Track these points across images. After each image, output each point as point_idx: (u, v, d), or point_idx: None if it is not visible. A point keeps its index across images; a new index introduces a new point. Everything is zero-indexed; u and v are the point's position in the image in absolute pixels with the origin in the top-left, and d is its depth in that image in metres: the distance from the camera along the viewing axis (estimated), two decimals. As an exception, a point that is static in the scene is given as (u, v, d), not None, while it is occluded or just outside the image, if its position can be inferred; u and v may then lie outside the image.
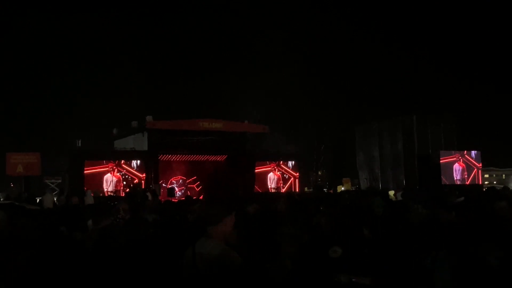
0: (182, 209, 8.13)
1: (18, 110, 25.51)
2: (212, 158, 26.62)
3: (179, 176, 25.91)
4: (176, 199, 20.22)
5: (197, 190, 25.61)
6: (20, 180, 22.78)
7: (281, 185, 27.35)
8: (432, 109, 25.67)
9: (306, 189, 26.56)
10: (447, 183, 23.72)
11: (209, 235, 3.50)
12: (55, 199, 17.33)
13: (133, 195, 17.93)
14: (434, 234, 3.55)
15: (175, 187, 25.33)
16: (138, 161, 24.27)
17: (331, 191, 21.03)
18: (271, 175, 27.36)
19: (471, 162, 25.69)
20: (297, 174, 27.85)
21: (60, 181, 23.84)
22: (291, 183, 27.69)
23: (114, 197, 18.95)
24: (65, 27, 26.14)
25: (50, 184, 23.31)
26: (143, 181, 23.62)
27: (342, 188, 23.41)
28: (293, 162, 27.95)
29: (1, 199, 16.64)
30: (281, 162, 27.62)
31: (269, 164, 27.37)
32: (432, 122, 25.79)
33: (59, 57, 25.84)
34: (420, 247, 3.64)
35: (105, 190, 22.97)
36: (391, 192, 13.42)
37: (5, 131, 24.10)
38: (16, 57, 25.40)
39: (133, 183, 22.62)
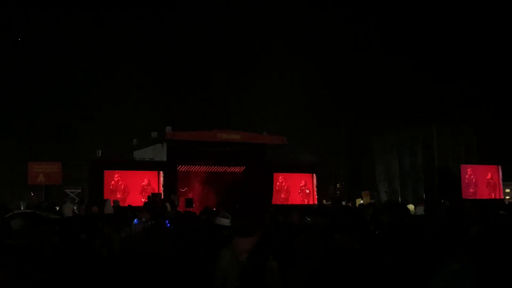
0: (200, 219, 8.17)
1: (39, 119, 25.72)
2: (231, 169, 26.65)
3: (198, 187, 25.91)
4: (194, 210, 20.25)
5: (215, 201, 25.56)
6: (40, 189, 22.98)
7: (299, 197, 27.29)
8: (452, 121, 25.34)
9: (324, 201, 26.42)
10: (468, 197, 23.41)
11: (233, 247, 3.39)
12: (75, 208, 17.40)
13: (152, 205, 17.94)
14: (453, 248, 3.47)
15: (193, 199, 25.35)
16: (157, 172, 24.38)
17: (350, 204, 20.86)
18: (289, 187, 27.32)
19: (492, 175, 25.35)
20: (315, 186, 27.75)
21: (80, 190, 24.00)
22: (309, 195, 27.58)
23: (133, 206, 18.95)
24: (87, 38, 26.36)
25: (70, 194, 23.42)
26: (162, 192, 23.72)
27: (361, 201, 23.21)
28: (311, 174, 27.86)
29: (22, 208, 16.77)
30: (300, 174, 27.54)
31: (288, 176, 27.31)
32: (452, 134, 25.52)
33: (81, 68, 26.07)
34: (434, 259, 3.56)
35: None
36: (411, 206, 13.25)
37: (26, 141, 24.26)
38: (37, 68, 25.70)
39: (152, 193, 22.71)
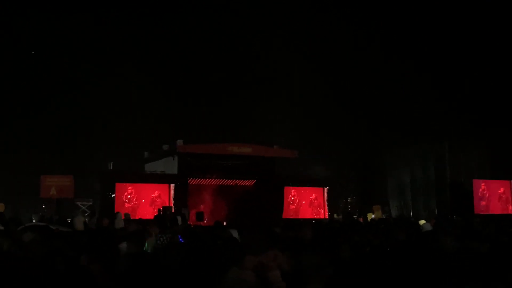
0: (212, 234, 8.16)
1: (51, 132, 25.89)
2: (241, 182, 26.67)
3: (208, 200, 25.91)
4: (205, 224, 20.26)
5: (226, 214, 25.53)
6: (52, 201, 23.06)
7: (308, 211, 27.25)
8: (464, 136, 25.21)
9: (335, 215, 26.35)
10: (481, 212, 23.24)
11: (243, 265, 3.36)
12: (86, 221, 17.46)
13: (163, 218, 17.94)
14: (465, 266, 3.39)
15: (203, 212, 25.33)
16: (168, 185, 24.46)
17: (361, 219, 20.75)
18: (298, 201, 27.28)
19: (505, 190, 25.16)
20: (326, 200, 27.69)
21: (91, 203, 24.09)
22: (319, 209, 27.53)
23: (144, 220, 18.98)
24: (99, 51, 26.57)
25: (81, 206, 23.53)
26: (172, 205, 23.76)
27: (372, 216, 23.09)
28: (322, 188, 27.81)
29: (34, 221, 16.86)
30: (310, 188, 27.52)
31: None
32: (464, 149, 25.40)
33: (93, 81, 26.27)
34: (448, 280, 3.47)
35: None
36: (422, 222, 13.16)
37: (38, 153, 24.43)
38: (49, 81, 25.94)
39: (162, 207, 22.75)
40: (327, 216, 26.84)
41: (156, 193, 24.32)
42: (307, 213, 27.12)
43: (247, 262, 3.43)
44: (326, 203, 27.66)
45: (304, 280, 3.80)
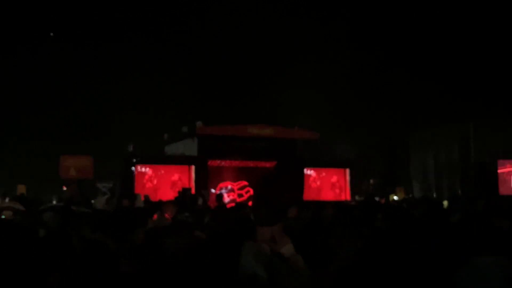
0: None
1: (70, 114, 26.15)
2: (262, 164, 26.73)
3: (228, 182, 26.09)
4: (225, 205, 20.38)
5: (246, 196, 25.68)
6: (73, 183, 23.35)
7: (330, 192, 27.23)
8: (490, 116, 24.87)
9: (357, 197, 26.24)
10: (506, 194, 22.96)
11: (256, 238, 3.47)
12: (106, 201, 17.70)
13: (183, 199, 18.12)
14: (479, 239, 3.44)
15: (224, 193, 25.45)
16: (188, 166, 24.63)
17: (383, 200, 20.68)
18: (320, 182, 27.27)
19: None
20: (348, 182, 27.62)
21: (111, 185, 24.37)
22: (341, 191, 27.50)
23: (164, 201, 19.20)
24: (117, 34, 26.67)
25: (102, 188, 23.84)
26: (192, 187, 23.94)
27: (395, 197, 23.01)
28: (344, 169, 27.73)
29: (54, 202, 17.16)
30: (332, 169, 27.46)
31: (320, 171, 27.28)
32: (490, 129, 25.06)
33: (112, 63, 26.40)
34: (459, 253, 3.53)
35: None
36: (446, 202, 13.10)
37: (57, 135, 24.71)
38: (69, 64, 26.12)
39: (182, 188, 22.92)
40: (349, 198, 26.75)
41: (176, 175, 24.50)
42: (328, 195, 27.11)
43: (260, 235, 3.48)
44: (348, 185, 27.59)
45: (329, 253, 3.92)
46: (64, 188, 23.46)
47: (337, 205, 11.60)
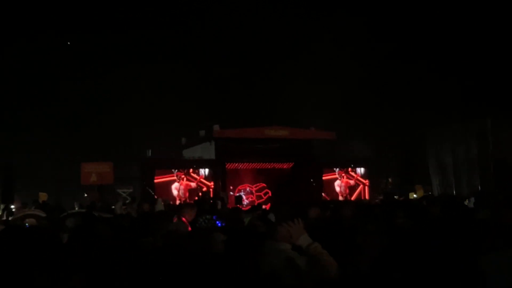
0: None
1: (89, 121, 26.32)
2: (279, 165, 26.79)
3: (246, 185, 26.26)
4: (244, 208, 20.43)
5: (264, 198, 25.71)
6: (94, 189, 23.55)
7: (348, 192, 27.20)
8: (509, 111, 24.51)
9: (376, 196, 26.12)
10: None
11: (276, 237, 3.45)
12: (126, 207, 17.80)
13: (202, 202, 18.21)
14: (496, 233, 3.44)
15: (243, 195, 25.53)
16: (206, 170, 24.86)
17: (402, 198, 20.55)
18: (338, 182, 27.14)
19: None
20: (367, 181, 27.52)
21: (131, 190, 24.53)
22: (360, 190, 27.37)
23: (182, 204, 19.37)
24: (133, 37, 26.78)
25: (122, 193, 24.00)
26: (211, 189, 24.03)
27: (414, 196, 22.84)
28: (362, 169, 27.60)
29: (76, 208, 17.31)
30: (350, 169, 27.34)
31: (337, 171, 27.18)
32: (508, 124, 24.73)
33: (129, 68, 26.52)
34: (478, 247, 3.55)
35: (176, 198, 23.58)
36: (466, 202, 12.95)
37: (77, 142, 24.91)
38: (86, 70, 26.32)
39: (202, 191, 23.01)
40: (368, 197, 26.65)
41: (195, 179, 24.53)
42: (347, 195, 27.09)
43: (280, 233, 3.50)
44: (367, 184, 27.44)
45: (356, 249, 3.95)
46: (85, 195, 23.66)
47: (357, 204, 11.57)
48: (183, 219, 7.82)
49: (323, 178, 26.89)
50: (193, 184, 24.57)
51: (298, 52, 28.64)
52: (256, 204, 18.97)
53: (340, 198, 26.24)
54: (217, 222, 7.64)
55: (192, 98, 27.60)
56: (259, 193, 26.18)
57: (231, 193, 24.86)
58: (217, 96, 28.87)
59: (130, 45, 26.94)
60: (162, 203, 18.50)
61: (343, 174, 27.52)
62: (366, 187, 27.52)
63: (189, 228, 7.25)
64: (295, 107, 28.03)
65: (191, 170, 24.66)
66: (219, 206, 17.38)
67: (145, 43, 27.40)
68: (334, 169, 27.43)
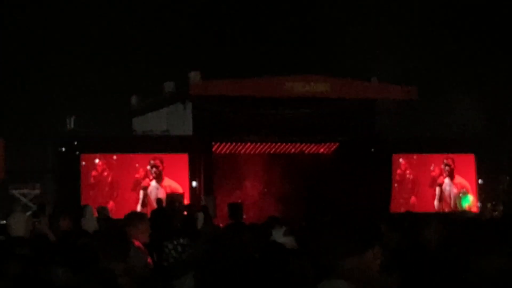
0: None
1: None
2: (310, 149, 27.19)
3: (251, 182, 26.19)
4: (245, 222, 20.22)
5: (285, 205, 25.66)
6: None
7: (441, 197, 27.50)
8: None
9: (489, 205, 26.08)
10: None
11: (338, 274, 3.63)
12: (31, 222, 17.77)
13: (167, 215, 18.21)
14: None
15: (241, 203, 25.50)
16: (177, 155, 24.83)
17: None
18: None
19: None
20: (474, 179, 27.53)
21: (38, 191, 24.51)
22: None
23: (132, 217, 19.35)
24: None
25: (21, 197, 23.97)
26: (186, 191, 24.09)
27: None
28: (467, 156, 27.84)
29: None
30: (445, 156, 27.53)
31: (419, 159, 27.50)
32: None
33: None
34: None
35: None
36: None
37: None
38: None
39: (167, 194, 22.94)
40: (477, 208, 26.60)
41: (153, 170, 24.69)
42: (433, 202, 27.40)
43: (342, 270, 3.67)
44: (474, 183, 27.57)
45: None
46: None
47: (456, 221, 11.51)
48: (136, 243, 7.62)
49: (396, 171, 26.94)
50: (152, 183, 24.58)
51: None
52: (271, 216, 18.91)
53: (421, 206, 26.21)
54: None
55: (151, 29, 28.12)
56: (274, 197, 26.07)
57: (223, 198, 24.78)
58: (194, 27, 29.43)
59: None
60: (95, 217, 18.41)
61: (432, 165, 27.52)
62: (471, 188, 27.54)
63: (149, 260, 7.38)
64: (342, 43, 28.19)
65: (149, 155, 24.57)
66: (199, 222, 17.27)
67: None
68: (413, 155, 27.42)
